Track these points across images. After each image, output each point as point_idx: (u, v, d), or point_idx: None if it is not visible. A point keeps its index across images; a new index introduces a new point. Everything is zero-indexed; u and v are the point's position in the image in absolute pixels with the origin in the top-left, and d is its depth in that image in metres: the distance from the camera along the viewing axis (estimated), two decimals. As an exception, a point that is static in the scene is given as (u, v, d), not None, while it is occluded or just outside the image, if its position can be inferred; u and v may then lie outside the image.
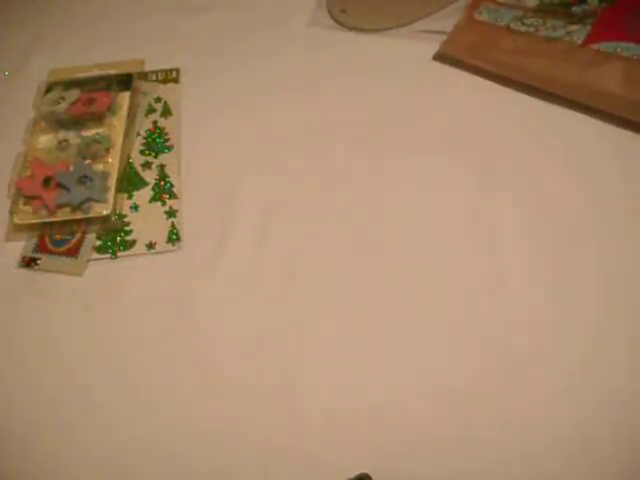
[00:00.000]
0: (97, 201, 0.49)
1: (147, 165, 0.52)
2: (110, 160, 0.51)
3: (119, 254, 0.48)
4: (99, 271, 0.47)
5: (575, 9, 0.54)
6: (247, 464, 0.39)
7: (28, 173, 0.51)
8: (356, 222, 0.48)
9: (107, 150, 0.52)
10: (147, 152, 0.53)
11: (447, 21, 0.58)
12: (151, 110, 0.56)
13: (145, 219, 0.49)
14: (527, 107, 0.53)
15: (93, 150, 0.52)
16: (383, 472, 0.37)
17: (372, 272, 0.45)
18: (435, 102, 0.54)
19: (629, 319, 0.42)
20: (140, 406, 0.41)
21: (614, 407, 0.39)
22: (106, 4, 0.66)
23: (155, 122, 0.55)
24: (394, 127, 0.53)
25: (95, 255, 0.48)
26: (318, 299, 0.44)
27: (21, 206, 0.49)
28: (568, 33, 0.53)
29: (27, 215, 0.49)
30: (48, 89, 0.56)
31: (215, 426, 0.40)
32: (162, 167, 0.52)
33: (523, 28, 0.55)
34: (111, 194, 0.50)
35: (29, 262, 0.48)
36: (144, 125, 0.55)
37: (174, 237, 0.48)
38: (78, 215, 0.49)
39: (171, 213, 0.50)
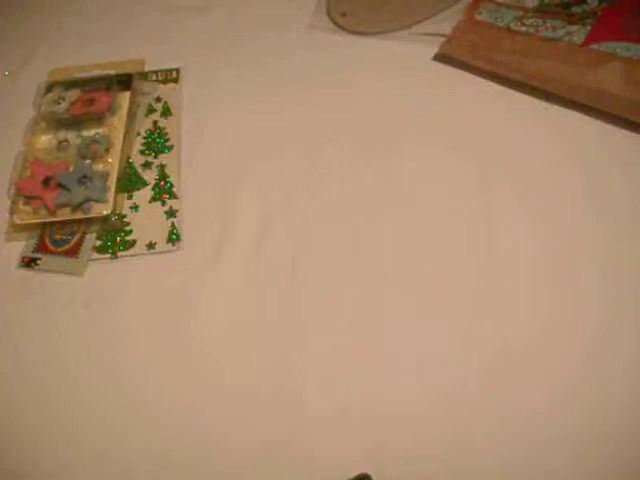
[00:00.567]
0: (97, 201, 0.49)
1: (147, 165, 0.52)
2: (110, 160, 0.51)
3: (119, 254, 0.48)
4: (99, 271, 0.47)
5: (575, 9, 0.54)
6: (247, 464, 0.39)
7: (28, 173, 0.51)
8: (356, 221, 0.48)
9: (107, 150, 0.52)
10: (147, 152, 0.53)
11: (446, 24, 0.58)
12: (151, 110, 0.56)
13: (145, 219, 0.49)
14: (527, 107, 0.53)
15: (93, 150, 0.52)
16: (383, 472, 0.37)
17: (372, 272, 0.45)
18: (435, 102, 0.54)
19: (630, 319, 0.42)
20: (140, 406, 0.41)
21: (615, 406, 0.39)
22: (106, 4, 0.66)
23: (155, 122, 0.55)
24: (394, 127, 0.53)
25: (95, 255, 0.48)
26: (318, 299, 0.44)
27: (21, 206, 0.49)
28: (568, 33, 0.53)
29: (27, 215, 0.49)
30: (48, 89, 0.56)
31: (215, 427, 0.40)
32: (162, 167, 0.52)
33: (523, 28, 0.55)
34: (111, 194, 0.50)
35: (29, 262, 0.48)
36: (144, 125, 0.55)
37: (174, 237, 0.48)
38: (78, 215, 0.49)
39: (171, 213, 0.50)
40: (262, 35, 0.61)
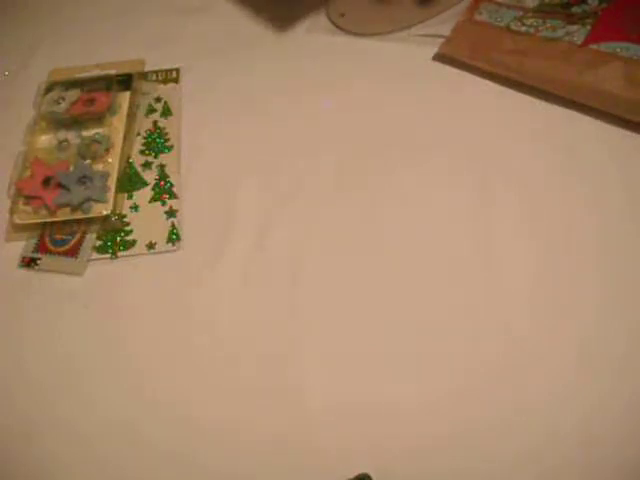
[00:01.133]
0: (97, 201, 0.49)
1: (147, 165, 0.52)
2: (110, 160, 0.52)
3: (119, 254, 0.48)
4: (99, 271, 0.47)
5: (575, 9, 0.54)
6: (247, 464, 0.39)
7: (28, 173, 0.51)
8: (356, 222, 0.48)
9: (107, 150, 0.52)
10: (147, 152, 0.53)
11: (445, 25, 0.58)
12: (151, 110, 0.56)
13: (145, 219, 0.49)
14: (527, 107, 0.53)
15: (93, 150, 0.52)
16: (383, 472, 0.37)
17: (372, 274, 0.45)
18: (435, 103, 0.54)
19: (629, 319, 0.42)
20: (140, 406, 0.41)
21: (615, 406, 0.39)
22: (106, 4, 0.66)
23: (155, 122, 0.55)
24: (394, 128, 0.53)
25: (95, 255, 0.48)
26: (319, 297, 0.44)
27: (21, 206, 0.49)
28: (568, 33, 0.53)
29: (27, 215, 0.49)
30: (48, 89, 0.56)
31: (216, 425, 0.40)
32: (162, 167, 0.52)
33: (523, 28, 0.55)
34: (111, 194, 0.50)
35: (29, 262, 0.48)
36: (144, 125, 0.55)
37: (174, 237, 0.48)
38: (78, 215, 0.49)
39: (171, 213, 0.50)
40: (262, 35, 0.61)
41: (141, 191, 0.51)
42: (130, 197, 0.51)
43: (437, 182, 0.49)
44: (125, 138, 0.53)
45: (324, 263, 0.46)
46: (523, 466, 0.37)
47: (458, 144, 0.51)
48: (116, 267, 0.47)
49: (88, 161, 0.51)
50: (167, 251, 0.48)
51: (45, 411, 0.42)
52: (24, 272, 0.48)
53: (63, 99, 0.54)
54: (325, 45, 0.60)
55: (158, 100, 0.57)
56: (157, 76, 0.59)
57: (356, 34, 0.60)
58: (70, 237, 0.49)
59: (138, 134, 0.55)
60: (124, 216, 0.50)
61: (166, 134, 0.54)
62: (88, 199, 0.49)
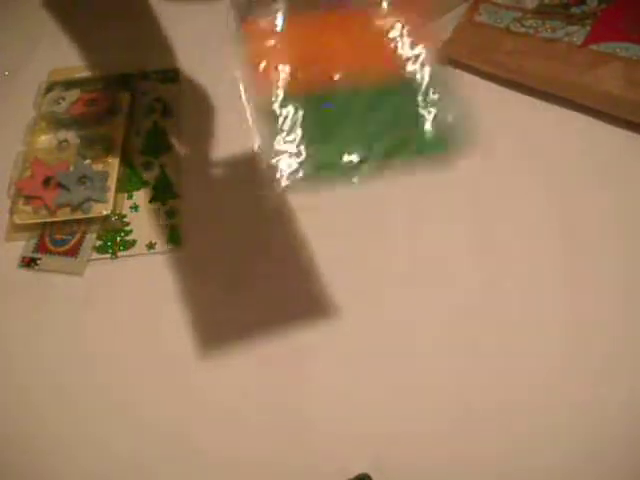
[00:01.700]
0: (97, 201, 0.49)
1: (147, 165, 0.52)
2: (110, 160, 0.51)
3: (119, 254, 0.48)
4: (99, 271, 0.47)
5: (574, 10, 0.54)
6: (247, 464, 0.39)
7: (28, 173, 0.51)
8: (357, 222, 0.48)
9: (107, 150, 0.52)
10: (147, 152, 0.53)
11: (444, 29, 0.58)
12: (151, 110, 0.56)
13: (145, 219, 0.49)
14: (527, 108, 0.53)
15: (93, 150, 0.52)
16: (383, 472, 0.37)
17: (375, 282, 0.45)
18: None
19: (629, 318, 0.42)
20: (140, 406, 0.41)
21: (615, 405, 0.39)
22: (106, 4, 0.66)
23: (155, 122, 0.55)
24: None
25: (95, 255, 0.48)
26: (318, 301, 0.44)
27: (21, 206, 0.49)
28: (567, 34, 0.53)
29: (27, 215, 0.49)
30: (48, 89, 0.56)
31: (216, 425, 0.40)
32: (162, 167, 0.52)
33: (523, 29, 0.55)
34: (111, 194, 0.50)
35: (29, 262, 0.48)
36: (144, 125, 0.55)
37: (174, 237, 0.48)
38: (78, 215, 0.49)
39: (171, 213, 0.50)
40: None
41: (141, 191, 0.51)
42: (130, 197, 0.51)
43: (436, 182, 0.49)
44: (125, 138, 0.53)
45: (324, 264, 0.46)
46: (523, 466, 0.37)
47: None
48: (116, 267, 0.47)
49: (88, 161, 0.51)
50: (167, 251, 0.48)
51: (45, 411, 0.42)
52: (24, 272, 0.48)
53: (63, 99, 0.54)
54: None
55: (158, 100, 0.57)
56: (157, 76, 0.59)
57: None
58: (70, 237, 0.49)
59: (138, 134, 0.55)
60: (124, 216, 0.50)
61: (166, 134, 0.54)
62: (88, 199, 0.49)
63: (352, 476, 0.37)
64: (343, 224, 0.47)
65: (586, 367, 0.40)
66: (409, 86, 0.36)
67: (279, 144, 0.34)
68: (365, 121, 0.35)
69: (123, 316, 0.45)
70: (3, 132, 0.56)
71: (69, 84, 0.56)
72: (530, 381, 0.40)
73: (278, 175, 0.33)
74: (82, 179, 0.49)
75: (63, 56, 0.61)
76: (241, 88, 0.35)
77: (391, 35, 0.37)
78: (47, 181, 0.50)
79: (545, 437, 0.38)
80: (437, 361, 0.41)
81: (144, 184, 0.51)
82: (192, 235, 0.48)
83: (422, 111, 0.35)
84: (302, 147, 0.34)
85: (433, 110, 0.35)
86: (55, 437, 0.41)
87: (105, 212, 0.49)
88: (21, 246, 0.49)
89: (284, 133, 0.34)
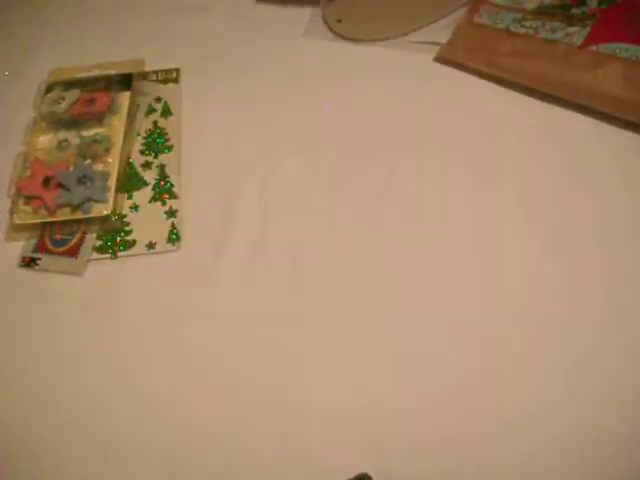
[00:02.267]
0: (97, 201, 0.49)
1: (147, 165, 0.52)
2: (110, 160, 0.51)
3: (119, 254, 0.48)
4: (99, 271, 0.47)
5: (574, 11, 0.54)
6: (247, 464, 0.39)
7: (28, 173, 0.51)
8: (357, 222, 0.48)
9: (107, 150, 0.52)
10: (147, 152, 0.53)
11: (443, 32, 0.58)
12: (151, 110, 0.56)
13: (145, 219, 0.49)
14: (527, 108, 0.53)
15: (93, 150, 0.52)
16: (383, 472, 0.37)
17: (372, 272, 0.45)
18: (436, 104, 0.54)
19: (629, 317, 0.42)
20: (140, 406, 0.41)
21: (615, 406, 0.39)
22: (106, 4, 0.66)
23: (155, 122, 0.55)
24: (393, 129, 0.53)
25: (95, 255, 0.48)
26: (318, 298, 0.44)
27: (21, 206, 0.49)
28: (567, 35, 0.53)
29: (27, 215, 0.49)
30: (48, 89, 0.56)
31: (216, 426, 0.40)
32: (162, 167, 0.52)
33: (522, 30, 0.55)
34: (111, 194, 0.50)
35: (29, 262, 0.48)
36: (144, 125, 0.55)
37: (174, 237, 0.48)
38: (78, 215, 0.49)
39: (171, 213, 0.50)
40: (261, 36, 0.61)
41: (141, 191, 0.51)
42: (130, 197, 0.51)
43: (436, 183, 0.50)
44: (125, 138, 0.53)
45: (324, 263, 0.46)
46: (523, 466, 0.37)
47: (458, 145, 0.51)
48: (116, 267, 0.47)
49: (88, 161, 0.51)
50: (167, 251, 0.48)
51: (44, 411, 0.42)
52: (24, 272, 0.48)
53: (63, 99, 0.54)
54: (323, 49, 0.60)
55: (158, 100, 0.57)
56: (157, 76, 0.59)
57: (353, 40, 0.60)
58: (70, 237, 0.49)
59: (138, 134, 0.55)
60: (124, 216, 0.50)
61: (166, 134, 0.54)
62: (88, 199, 0.49)
63: (352, 476, 0.37)
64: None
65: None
66: None
67: None
68: None
69: (123, 316, 0.45)
70: (3, 132, 0.56)
71: (69, 84, 0.56)
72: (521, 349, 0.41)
73: None
74: (82, 179, 0.49)
75: (63, 56, 0.61)
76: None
77: None
78: (47, 181, 0.50)
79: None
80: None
81: (144, 184, 0.51)
82: (192, 235, 0.48)
83: None
84: None
85: None
86: (55, 435, 0.41)
87: (105, 212, 0.49)
88: (21, 246, 0.49)
89: None
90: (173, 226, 0.49)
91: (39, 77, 0.59)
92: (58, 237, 0.49)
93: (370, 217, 0.48)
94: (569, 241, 0.45)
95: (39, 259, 0.48)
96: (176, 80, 0.59)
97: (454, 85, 0.55)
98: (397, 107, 0.55)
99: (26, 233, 0.49)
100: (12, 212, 0.50)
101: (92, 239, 0.49)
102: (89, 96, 0.54)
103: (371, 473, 0.36)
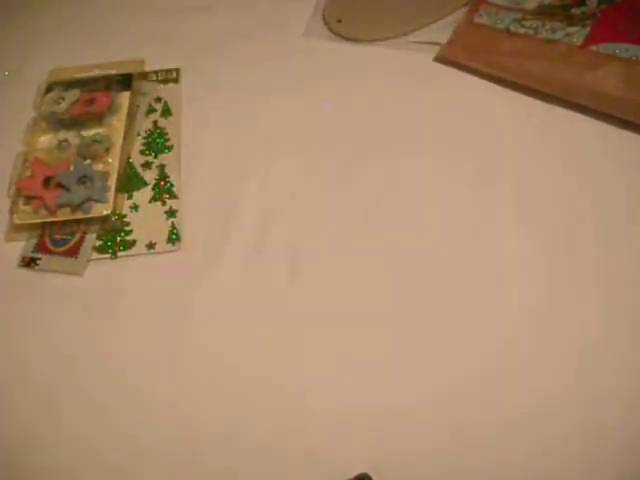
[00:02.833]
0: (97, 201, 0.49)
1: (147, 165, 0.52)
2: (110, 160, 0.51)
3: (119, 254, 0.48)
4: (99, 271, 0.47)
5: (574, 11, 0.54)
6: (247, 464, 0.39)
7: (28, 173, 0.51)
8: (356, 222, 0.48)
9: (107, 150, 0.52)
10: (147, 152, 0.53)
11: (443, 32, 0.58)
12: (151, 110, 0.56)
13: (145, 219, 0.49)
14: (527, 108, 0.53)
15: (93, 150, 0.52)
16: (383, 472, 0.37)
17: (372, 272, 0.45)
18: (435, 104, 0.54)
19: (629, 318, 0.42)
20: (140, 406, 0.41)
21: (615, 406, 0.39)
22: (106, 4, 0.66)
23: (155, 122, 0.55)
24: (394, 129, 0.53)
25: (95, 255, 0.48)
26: (318, 298, 0.44)
27: (21, 206, 0.49)
28: (567, 35, 0.53)
29: (27, 215, 0.49)
30: (48, 89, 0.56)
31: (216, 426, 0.40)
32: (162, 167, 0.52)
33: (522, 30, 0.55)
34: (111, 194, 0.50)
35: (29, 262, 0.48)
36: (144, 125, 0.55)
37: (174, 237, 0.48)
38: (78, 215, 0.49)
39: (171, 213, 0.50)
40: (261, 36, 0.61)
41: (141, 191, 0.51)
42: (130, 197, 0.51)
43: (436, 183, 0.50)
44: (125, 138, 0.53)
45: (324, 263, 0.46)
46: (523, 466, 0.37)
47: (457, 145, 0.51)
48: (116, 267, 0.47)
49: (88, 161, 0.51)
50: (167, 251, 0.48)
51: (44, 411, 0.42)
52: (24, 272, 0.48)
53: (63, 99, 0.54)
54: (323, 49, 0.60)
55: (158, 100, 0.57)
56: (157, 76, 0.59)
57: (353, 40, 0.60)
58: (70, 237, 0.49)
59: (138, 134, 0.55)
60: (124, 216, 0.50)
61: (166, 134, 0.54)
62: (88, 199, 0.49)
63: (352, 476, 0.37)
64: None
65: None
66: None
67: None
68: None
69: (123, 316, 0.45)
70: (3, 132, 0.56)
71: (69, 84, 0.56)
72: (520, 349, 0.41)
73: None
74: (82, 179, 0.49)
75: (63, 56, 0.61)
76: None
77: None
78: (47, 181, 0.50)
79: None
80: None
81: (144, 184, 0.51)
82: (192, 235, 0.48)
83: None
84: None
85: None
86: (55, 435, 0.41)
87: (105, 212, 0.49)
88: (21, 246, 0.49)
89: None
90: (173, 226, 0.49)
91: (39, 77, 0.59)
92: (58, 237, 0.49)
93: (370, 217, 0.48)
94: (568, 240, 0.45)
95: (39, 259, 0.48)
96: (176, 80, 0.59)
97: (454, 85, 0.55)
98: (397, 107, 0.55)
99: (26, 233, 0.49)
100: (12, 212, 0.50)
101: (92, 239, 0.49)
102: (89, 96, 0.54)
103: (371, 473, 0.37)
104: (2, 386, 0.43)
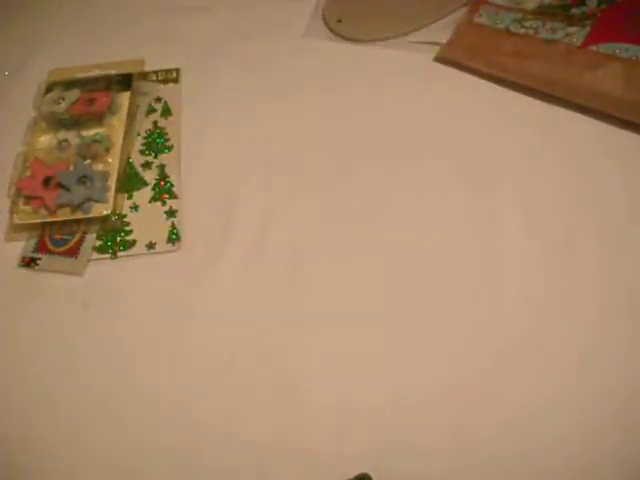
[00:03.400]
0: (97, 201, 0.49)
1: (147, 165, 0.53)
2: (110, 160, 0.51)
3: (119, 254, 0.48)
4: (99, 271, 0.47)
5: (574, 11, 0.54)
6: (247, 464, 0.39)
7: (28, 173, 0.51)
8: (356, 222, 0.48)
9: (107, 150, 0.52)
10: (147, 152, 0.53)
11: (443, 32, 0.58)
12: (151, 110, 0.56)
13: (145, 219, 0.49)
14: (527, 108, 0.53)
15: (93, 150, 0.52)
16: (383, 472, 0.37)
17: (372, 272, 0.45)
18: (436, 104, 0.54)
19: (629, 318, 0.42)
20: (140, 406, 0.41)
21: (614, 406, 0.39)
22: (106, 4, 0.66)
23: (155, 122, 0.55)
24: (394, 129, 0.53)
25: (95, 255, 0.48)
26: (318, 298, 0.44)
27: (21, 206, 0.49)
28: (567, 35, 0.53)
29: (27, 215, 0.49)
30: (48, 89, 0.56)
31: (216, 425, 0.40)
32: (162, 167, 0.52)
33: (522, 30, 0.55)
34: (111, 194, 0.50)
35: (29, 262, 0.48)
36: (144, 125, 0.55)
37: (174, 237, 0.48)
38: (78, 215, 0.49)
39: (171, 213, 0.50)
40: (261, 36, 0.62)
41: (141, 191, 0.51)
42: (130, 197, 0.51)
43: (436, 183, 0.50)
44: (125, 138, 0.53)
45: (324, 263, 0.46)
46: (523, 466, 0.37)
47: (457, 144, 0.51)
48: (116, 267, 0.47)
49: (88, 161, 0.51)
50: (167, 251, 0.48)
51: (45, 411, 0.42)
52: (24, 272, 0.48)
53: (63, 99, 0.54)
54: (323, 49, 0.60)
55: (158, 100, 0.57)
56: (157, 76, 0.59)
57: (353, 40, 0.60)
58: (70, 237, 0.49)
59: (138, 134, 0.55)
60: (124, 216, 0.50)
61: (166, 134, 0.54)
62: (88, 199, 0.49)
63: (352, 476, 0.37)
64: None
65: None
66: None
67: None
68: None
69: (123, 316, 0.45)
70: (3, 132, 0.56)
71: (69, 84, 0.56)
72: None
73: None
74: (82, 179, 0.49)
75: (63, 56, 0.61)
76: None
77: None
78: (47, 181, 0.50)
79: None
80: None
81: (144, 184, 0.51)
82: (192, 235, 0.48)
83: None
84: None
85: None
86: (55, 435, 0.41)
87: (105, 212, 0.49)
88: (21, 246, 0.49)
89: None
90: (173, 226, 0.49)
91: (39, 77, 0.59)
92: (58, 237, 0.49)
93: (370, 217, 0.48)
94: (569, 240, 0.45)
95: (39, 259, 0.48)
96: (176, 80, 0.59)
97: (454, 85, 0.55)
98: (397, 107, 0.55)
99: (26, 233, 0.49)
100: (12, 212, 0.50)
101: (92, 239, 0.49)
102: (89, 96, 0.54)
103: (371, 473, 0.36)
104: (2, 386, 0.43)
